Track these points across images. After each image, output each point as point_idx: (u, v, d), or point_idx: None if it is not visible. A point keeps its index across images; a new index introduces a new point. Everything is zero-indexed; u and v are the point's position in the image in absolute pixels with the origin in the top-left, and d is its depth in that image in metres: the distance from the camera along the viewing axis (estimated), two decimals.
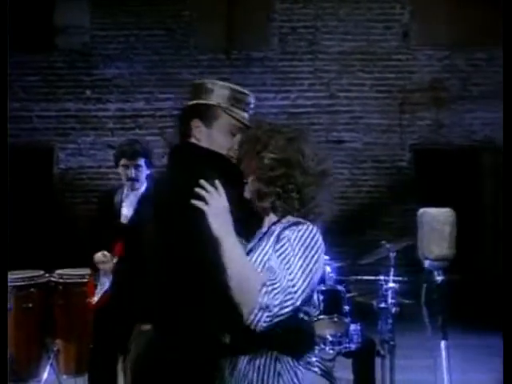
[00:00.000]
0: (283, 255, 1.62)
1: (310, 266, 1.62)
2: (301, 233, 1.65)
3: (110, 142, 7.59)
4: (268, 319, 1.57)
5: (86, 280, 3.67)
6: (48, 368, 3.76)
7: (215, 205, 1.67)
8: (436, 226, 2.28)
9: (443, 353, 2.23)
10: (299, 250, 1.63)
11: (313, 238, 1.65)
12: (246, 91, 2.06)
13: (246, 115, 2.01)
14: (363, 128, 7.54)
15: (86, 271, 3.59)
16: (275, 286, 1.58)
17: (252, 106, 2.05)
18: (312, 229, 1.67)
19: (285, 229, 1.68)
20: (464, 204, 7.59)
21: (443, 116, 7.54)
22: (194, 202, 1.67)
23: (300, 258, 1.62)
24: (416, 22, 7.53)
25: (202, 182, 1.70)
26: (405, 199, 7.45)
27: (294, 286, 1.58)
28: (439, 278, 2.14)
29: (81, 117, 7.57)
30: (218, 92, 2.00)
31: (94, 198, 7.62)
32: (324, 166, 1.78)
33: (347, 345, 3.54)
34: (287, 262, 1.61)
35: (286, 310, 1.59)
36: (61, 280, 3.75)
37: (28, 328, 3.63)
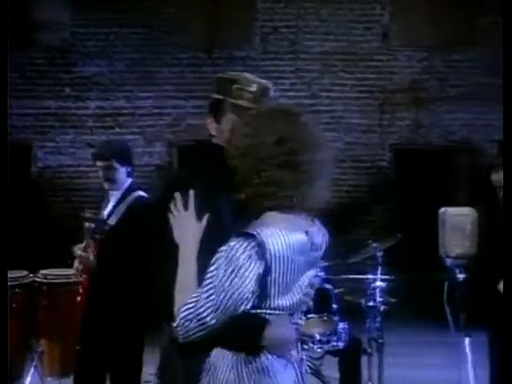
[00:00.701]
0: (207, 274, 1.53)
1: (225, 284, 1.49)
2: (223, 248, 1.52)
3: (90, 141, 7.48)
4: (182, 339, 1.52)
5: (71, 280, 3.61)
6: (32, 370, 3.69)
7: (179, 217, 1.64)
8: (457, 224, 2.30)
9: (467, 350, 2.24)
10: (212, 267, 1.52)
11: (233, 253, 1.50)
12: (253, 79, 1.95)
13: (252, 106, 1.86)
14: (344, 128, 7.57)
15: (71, 271, 3.54)
16: (190, 309, 1.50)
17: (262, 93, 1.91)
18: (238, 243, 1.51)
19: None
20: (442, 202, 7.69)
21: (422, 116, 7.62)
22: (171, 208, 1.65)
23: (212, 276, 1.51)
24: (396, 23, 7.59)
25: (177, 194, 1.66)
26: (385, 198, 7.51)
27: (204, 311, 1.49)
28: (461, 276, 2.15)
29: (60, 115, 7.45)
30: (224, 85, 1.93)
31: (73, 197, 7.53)
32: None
33: (335, 343, 3.56)
34: (205, 283, 1.52)
35: (198, 335, 1.51)
36: (45, 280, 3.69)
37: (12, 329, 3.55)
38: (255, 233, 1.51)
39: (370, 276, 3.56)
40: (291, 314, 1.61)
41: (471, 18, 7.62)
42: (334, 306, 3.54)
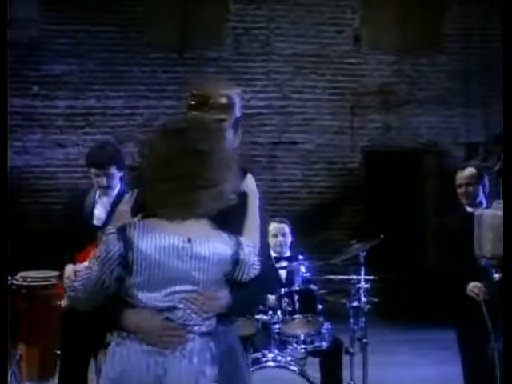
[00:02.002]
0: None
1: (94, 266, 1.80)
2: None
3: (59, 141, 7.32)
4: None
5: (50, 283, 3.51)
6: (10, 375, 3.56)
7: None
8: (492, 226, 2.34)
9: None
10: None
11: (105, 241, 1.79)
12: (195, 90, 2.03)
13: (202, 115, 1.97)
14: (315, 130, 7.62)
15: (51, 274, 3.45)
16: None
17: (206, 101, 1.99)
18: (111, 235, 1.79)
19: None
20: (411, 203, 7.84)
21: (392, 119, 7.74)
22: None
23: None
24: (366, 28, 7.68)
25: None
26: (356, 200, 7.59)
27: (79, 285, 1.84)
28: (496, 276, 2.19)
29: (27, 113, 7.24)
30: None
31: (41, 198, 7.34)
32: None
33: (319, 343, 3.56)
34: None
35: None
36: (24, 283, 3.57)
37: None
38: (126, 228, 1.77)
39: (354, 276, 3.58)
40: (161, 311, 1.76)
41: (438, 24, 7.79)
42: (319, 306, 3.54)
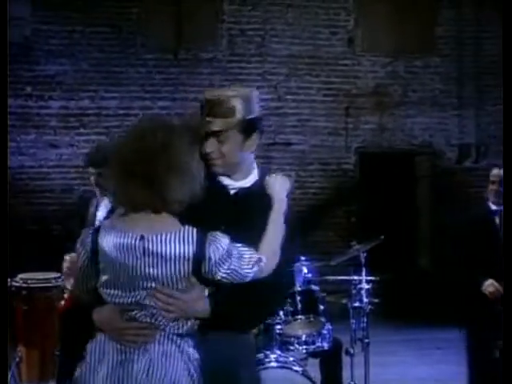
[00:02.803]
0: None
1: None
2: None
3: (53, 141, 7.28)
4: None
5: (50, 284, 3.51)
6: (9, 376, 3.55)
7: None
8: None
9: None
10: None
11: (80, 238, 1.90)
12: (208, 94, 1.98)
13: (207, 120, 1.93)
14: (310, 131, 7.65)
15: (51, 275, 3.44)
16: None
17: (211, 106, 1.95)
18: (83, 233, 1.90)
19: None
20: (406, 204, 7.89)
21: (386, 120, 7.79)
22: None
23: None
24: (361, 30, 7.73)
25: None
26: (350, 201, 7.63)
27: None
28: None
29: (21, 114, 7.20)
30: None
31: (34, 199, 7.29)
32: None
33: (320, 344, 3.57)
34: None
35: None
36: (24, 285, 3.56)
37: None
38: (93, 227, 1.92)
39: (355, 277, 3.60)
40: (127, 308, 1.78)
41: (432, 26, 7.85)
42: (321, 307, 3.56)
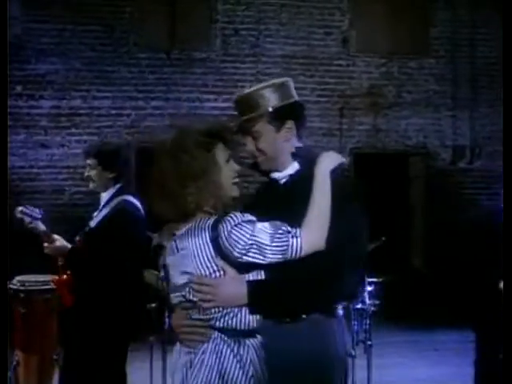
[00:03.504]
0: None
1: None
2: None
3: (43, 141, 7.22)
4: None
5: (49, 287, 3.46)
6: (7, 382, 3.50)
7: None
8: None
9: None
10: None
11: None
12: (236, 96, 2.05)
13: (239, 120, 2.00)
14: (304, 131, 7.62)
15: (49, 278, 3.40)
16: None
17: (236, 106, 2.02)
18: None
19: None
20: (400, 205, 7.92)
21: (380, 121, 7.81)
22: None
23: None
24: (355, 30, 7.75)
25: None
26: None
27: None
28: None
29: (11, 114, 7.11)
30: None
31: (24, 201, 7.21)
32: None
33: None
34: None
35: None
36: (22, 287, 3.51)
37: None
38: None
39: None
40: (185, 309, 1.83)
41: (427, 27, 7.89)
42: None
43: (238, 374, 1.74)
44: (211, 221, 1.79)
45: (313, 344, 1.83)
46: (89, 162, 3.09)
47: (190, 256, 1.79)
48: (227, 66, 7.53)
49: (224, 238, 1.75)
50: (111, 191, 3.11)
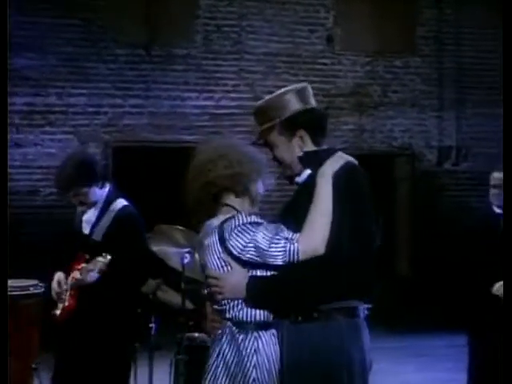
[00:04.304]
0: None
1: None
2: None
3: (16, 140, 7.02)
4: None
5: (31, 292, 3.33)
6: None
7: None
8: None
9: None
10: None
11: None
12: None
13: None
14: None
15: (32, 282, 3.27)
16: None
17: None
18: None
19: None
20: (385, 206, 7.89)
21: (366, 121, 7.78)
22: None
23: None
24: (340, 28, 7.71)
25: None
26: None
27: None
28: None
29: None
30: None
31: None
32: None
33: None
34: None
35: None
36: None
37: None
38: None
39: None
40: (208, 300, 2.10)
41: (413, 26, 7.90)
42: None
43: (238, 362, 1.89)
44: (219, 219, 1.98)
45: (322, 343, 1.89)
46: (73, 193, 2.94)
47: (206, 251, 2.00)
48: (209, 63, 7.43)
49: (227, 238, 1.92)
50: (102, 200, 3.00)
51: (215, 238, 1.95)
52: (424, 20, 7.91)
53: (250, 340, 1.91)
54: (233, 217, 1.94)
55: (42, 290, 3.34)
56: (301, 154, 2.04)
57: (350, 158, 2.05)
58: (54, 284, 2.96)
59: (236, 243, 1.90)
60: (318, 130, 2.10)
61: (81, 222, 3.05)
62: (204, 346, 3.28)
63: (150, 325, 3.32)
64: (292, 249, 1.85)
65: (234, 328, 1.92)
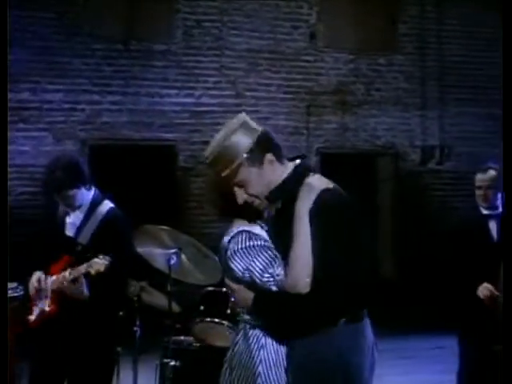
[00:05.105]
0: None
1: None
2: None
3: None
4: None
5: (9, 295, 3.21)
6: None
7: None
8: None
9: None
10: None
11: None
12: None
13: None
14: (270, 130, 7.52)
15: (11, 285, 3.15)
16: None
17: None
18: None
19: None
20: (368, 206, 7.91)
21: (349, 120, 7.78)
22: None
23: None
24: (323, 24, 7.70)
25: None
26: None
27: None
28: None
29: None
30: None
31: None
32: None
33: None
34: None
35: None
36: None
37: None
38: None
39: None
40: None
41: (396, 23, 7.93)
42: None
43: (248, 356, 2.04)
44: (224, 238, 2.11)
45: (318, 345, 1.95)
46: (61, 195, 2.88)
47: (223, 263, 2.14)
48: (189, 59, 7.36)
49: (230, 259, 2.04)
50: (87, 202, 2.96)
51: (225, 255, 2.08)
52: (407, 17, 7.95)
53: (258, 336, 2.03)
54: (237, 235, 2.04)
55: (22, 293, 3.23)
56: (280, 181, 2.04)
57: (323, 184, 2.01)
58: (33, 281, 2.88)
59: (237, 266, 2.03)
60: (278, 147, 2.08)
61: (63, 223, 2.97)
62: (190, 350, 3.25)
63: (135, 328, 3.25)
64: (280, 284, 1.95)
65: (247, 325, 2.07)
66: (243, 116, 2.09)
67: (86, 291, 2.80)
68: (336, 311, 1.96)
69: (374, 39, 7.75)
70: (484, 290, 3.32)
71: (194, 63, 7.37)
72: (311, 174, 2.03)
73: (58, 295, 2.85)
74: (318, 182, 2.01)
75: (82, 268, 2.75)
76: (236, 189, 2.01)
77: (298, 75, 7.62)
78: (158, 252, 3.21)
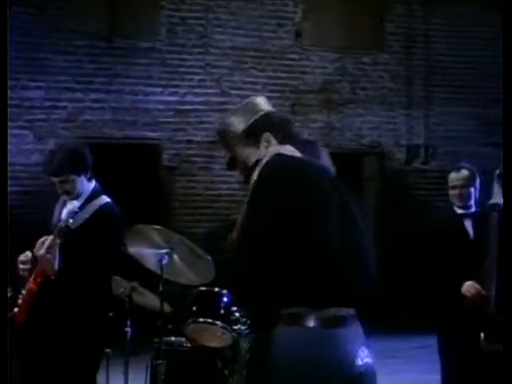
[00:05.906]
0: None
1: None
2: None
3: None
4: None
5: None
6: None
7: None
8: None
9: None
10: None
11: None
12: None
13: None
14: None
15: None
16: None
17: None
18: None
19: None
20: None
21: (334, 119, 7.85)
22: None
23: None
24: (308, 22, 7.76)
25: None
26: None
27: None
28: None
29: None
30: None
31: None
32: None
33: None
34: None
35: None
36: None
37: None
38: None
39: None
40: None
41: (382, 22, 8.01)
42: None
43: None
44: None
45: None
46: (59, 179, 2.90)
47: None
48: (173, 56, 7.37)
49: None
50: (86, 194, 2.98)
51: None
52: (393, 16, 8.03)
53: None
54: None
55: (9, 294, 3.22)
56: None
57: (281, 150, 1.93)
58: (21, 257, 2.88)
59: None
60: (283, 129, 2.04)
61: (60, 214, 2.98)
62: (182, 351, 3.27)
63: (126, 329, 3.26)
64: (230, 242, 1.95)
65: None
66: (253, 98, 2.09)
67: (56, 265, 2.79)
68: (268, 296, 1.79)
69: (359, 38, 7.82)
70: (470, 288, 3.36)
71: (179, 61, 7.38)
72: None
73: (40, 276, 2.84)
74: (276, 149, 1.93)
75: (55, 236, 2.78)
76: (242, 167, 2.02)
77: (284, 73, 7.67)
78: (150, 252, 3.22)
